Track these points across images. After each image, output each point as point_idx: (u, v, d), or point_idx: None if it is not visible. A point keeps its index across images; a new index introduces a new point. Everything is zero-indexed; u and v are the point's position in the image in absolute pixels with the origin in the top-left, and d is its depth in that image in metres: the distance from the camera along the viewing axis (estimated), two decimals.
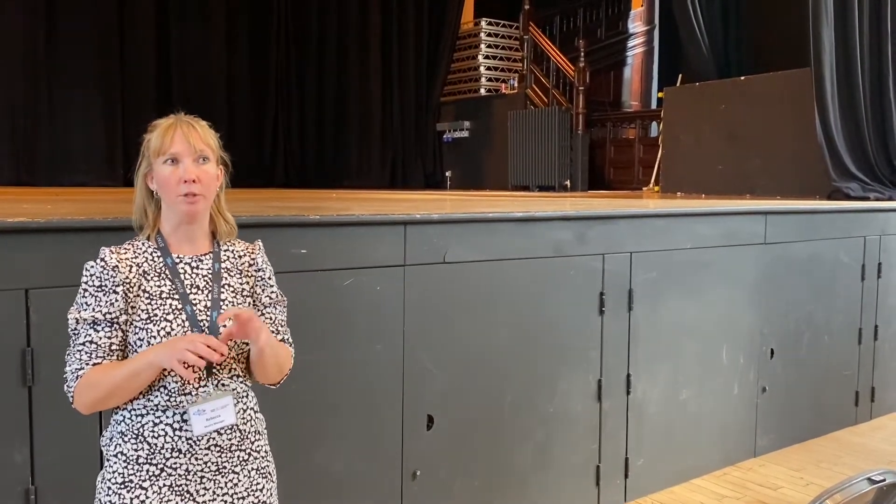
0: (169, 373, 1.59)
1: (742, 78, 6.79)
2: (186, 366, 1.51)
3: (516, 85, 10.14)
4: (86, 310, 1.60)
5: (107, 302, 1.59)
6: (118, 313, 1.60)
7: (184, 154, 1.62)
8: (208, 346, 1.52)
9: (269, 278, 1.78)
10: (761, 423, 4.22)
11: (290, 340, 1.81)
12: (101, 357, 1.59)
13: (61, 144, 8.81)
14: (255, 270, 1.76)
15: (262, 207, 3.08)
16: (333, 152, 10.72)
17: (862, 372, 4.77)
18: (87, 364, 1.59)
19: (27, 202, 3.85)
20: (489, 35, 10.50)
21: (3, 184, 8.24)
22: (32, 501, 2.18)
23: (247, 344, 1.67)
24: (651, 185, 8.20)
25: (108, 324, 1.59)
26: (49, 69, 8.74)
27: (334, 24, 10.62)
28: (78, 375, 1.59)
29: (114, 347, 1.60)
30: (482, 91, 10.46)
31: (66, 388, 1.61)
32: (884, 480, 1.52)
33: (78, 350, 1.60)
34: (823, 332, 4.53)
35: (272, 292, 1.77)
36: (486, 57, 10.51)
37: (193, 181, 1.61)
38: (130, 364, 1.56)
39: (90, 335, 1.59)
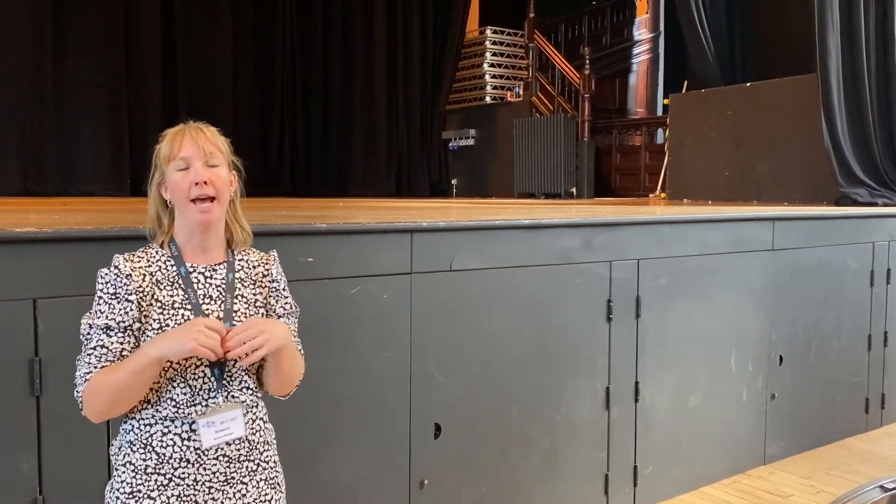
0: (177, 385, 1.59)
1: (748, 84, 6.77)
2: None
3: (521, 92, 10.15)
4: (99, 317, 1.58)
5: (121, 310, 1.58)
6: (132, 321, 1.58)
7: (194, 158, 1.62)
8: (211, 331, 1.51)
9: (284, 289, 1.76)
10: (770, 431, 4.20)
11: (302, 351, 1.80)
12: (109, 362, 1.57)
13: (68, 154, 8.85)
14: (270, 281, 1.74)
15: (269, 216, 3.08)
16: (339, 161, 10.73)
17: (872, 378, 4.74)
18: (96, 368, 1.56)
19: (35, 212, 3.86)
20: (494, 43, 10.53)
21: (10, 194, 8.27)
22: None
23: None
24: (657, 192, 8.19)
25: (121, 331, 1.58)
26: (55, 79, 8.78)
27: (339, 32, 10.65)
28: (86, 380, 1.56)
29: (125, 353, 1.57)
30: (487, 99, 10.47)
31: (75, 393, 1.59)
32: None
33: (88, 355, 1.58)
34: (832, 338, 4.50)
35: (286, 303, 1.75)
36: (492, 65, 10.53)
37: (205, 183, 1.61)
38: (132, 361, 1.53)
39: (102, 340, 1.57)
